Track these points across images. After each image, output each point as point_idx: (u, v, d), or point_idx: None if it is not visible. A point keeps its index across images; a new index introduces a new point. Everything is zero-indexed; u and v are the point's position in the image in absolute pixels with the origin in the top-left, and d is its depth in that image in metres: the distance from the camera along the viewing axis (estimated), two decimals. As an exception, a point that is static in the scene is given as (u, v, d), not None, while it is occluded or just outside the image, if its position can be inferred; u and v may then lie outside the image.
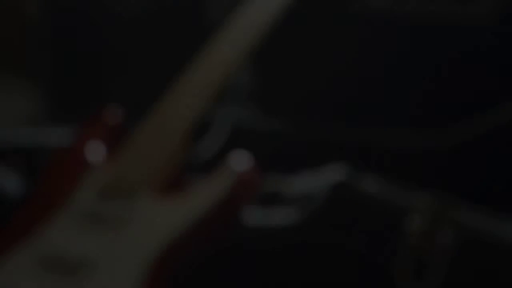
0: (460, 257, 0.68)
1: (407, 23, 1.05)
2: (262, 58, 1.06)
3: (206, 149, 0.98)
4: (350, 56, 1.06)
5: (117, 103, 1.02)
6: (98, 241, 0.81)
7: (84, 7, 1.21)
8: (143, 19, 1.20)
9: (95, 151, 0.91)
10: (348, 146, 1.01)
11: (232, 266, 0.80)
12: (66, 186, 0.88)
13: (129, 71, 1.22)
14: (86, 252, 0.80)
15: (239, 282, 0.79)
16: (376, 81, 1.06)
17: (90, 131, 0.94)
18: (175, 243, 0.79)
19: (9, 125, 1.29)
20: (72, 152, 0.93)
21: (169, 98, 0.90)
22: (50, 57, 1.24)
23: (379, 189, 0.73)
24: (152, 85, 0.96)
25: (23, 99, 1.36)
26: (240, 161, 0.84)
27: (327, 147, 1.00)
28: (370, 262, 0.73)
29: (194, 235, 0.80)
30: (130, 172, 0.85)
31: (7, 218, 0.85)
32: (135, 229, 0.81)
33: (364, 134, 1.03)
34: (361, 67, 1.06)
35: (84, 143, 0.92)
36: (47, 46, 1.22)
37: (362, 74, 1.06)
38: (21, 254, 0.82)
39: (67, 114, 1.22)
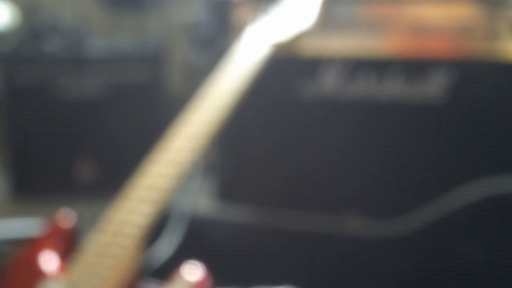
0: None
1: (358, 105, 1.06)
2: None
3: (161, 252, 0.98)
4: (303, 144, 1.07)
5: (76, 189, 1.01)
6: None
7: (42, 91, 1.21)
8: (101, 101, 1.21)
9: (48, 260, 0.90)
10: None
11: None
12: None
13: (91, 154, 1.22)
14: None
15: None
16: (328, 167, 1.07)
17: (44, 239, 0.94)
18: None
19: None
20: (25, 262, 0.92)
21: (120, 205, 0.90)
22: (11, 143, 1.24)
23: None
24: (111, 169, 0.96)
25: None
26: (193, 271, 0.84)
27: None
28: None
29: None
30: (81, 285, 0.85)
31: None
32: None
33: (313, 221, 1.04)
34: (314, 153, 1.07)
35: (38, 252, 0.92)
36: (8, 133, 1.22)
37: (314, 161, 1.07)
38: None
39: (28, 202, 1.21)
